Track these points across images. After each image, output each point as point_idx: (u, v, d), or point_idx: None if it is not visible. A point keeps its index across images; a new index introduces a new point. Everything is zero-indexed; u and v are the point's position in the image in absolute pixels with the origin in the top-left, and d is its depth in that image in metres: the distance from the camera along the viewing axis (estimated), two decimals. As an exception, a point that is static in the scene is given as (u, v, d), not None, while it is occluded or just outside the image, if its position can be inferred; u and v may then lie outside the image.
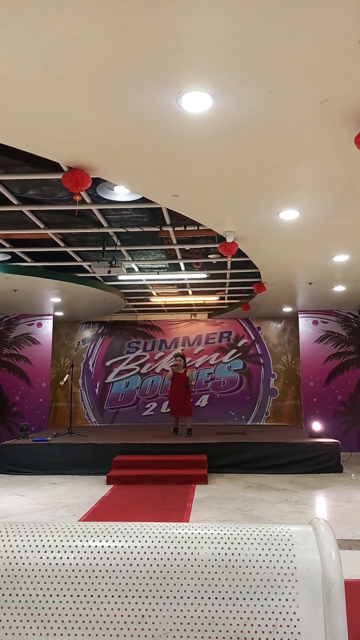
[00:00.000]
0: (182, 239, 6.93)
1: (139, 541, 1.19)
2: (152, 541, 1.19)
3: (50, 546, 1.19)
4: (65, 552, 1.18)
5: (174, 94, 3.09)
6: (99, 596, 1.13)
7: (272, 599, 1.11)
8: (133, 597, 1.13)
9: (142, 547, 1.18)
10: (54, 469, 8.12)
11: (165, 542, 1.19)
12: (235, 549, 1.17)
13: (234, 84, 3.01)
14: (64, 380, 10.11)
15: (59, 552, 1.18)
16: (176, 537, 1.20)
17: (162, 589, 1.13)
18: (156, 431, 9.92)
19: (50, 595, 1.14)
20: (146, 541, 1.19)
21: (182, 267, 8.49)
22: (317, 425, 9.06)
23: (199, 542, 1.18)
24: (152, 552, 1.17)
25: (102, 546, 1.19)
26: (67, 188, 4.22)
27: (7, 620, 1.12)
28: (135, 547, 1.18)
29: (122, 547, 1.18)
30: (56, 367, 12.62)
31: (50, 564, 1.16)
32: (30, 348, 11.39)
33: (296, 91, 3.08)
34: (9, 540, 1.21)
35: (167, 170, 4.24)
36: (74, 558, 1.17)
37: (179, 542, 1.19)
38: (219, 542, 1.18)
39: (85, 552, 1.18)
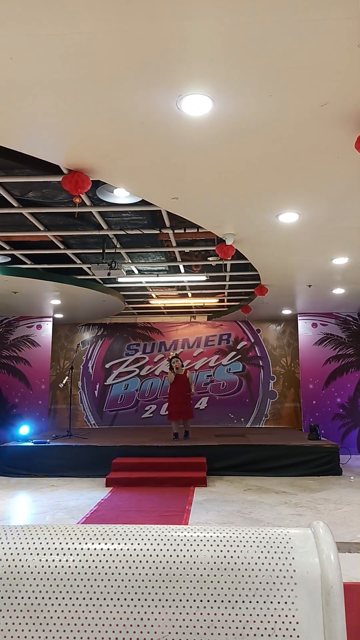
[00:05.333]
0: (182, 241, 6.94)
1: (138, 544, 1.19)
2: (152, 544, 1.19)
3: (49, 549, 1.19)
4: (64, 554, 1.18)
5: (174, 97, 3.10)
6: (97, 599, 1.13)
7: (272, 602, 1.11)
8: (132, 599, 1.13)
9: (141, 549, 1.18)
10: (53, 471, 8.11)
11: (165, 544, 1.19)
12: (235, 551, 1.17)
13: (233, 87, 3.02)
14: (64, 382, 10.10)
15: (58, 554, 1.18)
16: (175, 539, 1.20)
17: (161, 591, 1.13)
18: (155, 433, 9.91)
19: (49, 598, 1.14)
20: (145, 544, 1.19)
21: (182, 270, 8.49)
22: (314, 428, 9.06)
23: (198, 545, 1.18)
24: (151, 555, 1.17)
25: (102, 549, 1.19)
26: (67, 190, 4.22)
27: (6, 623, 1.12)
28: (135, 549, 1.18)
29: (122, 549, 1.18)
30: (56, 369, 12.62)
31: (49, 566, 1.16)
32: (29, 350, 11.39)
33: (296, 94, 3.09)
34: (8, 543, 1.21)
35: (167, 172, 4.25)
36: (73, 561, 1.17)
37: (178, 544, 1.19)
38: (218, 545, 1.18)
39: (84, 554, 1.18)
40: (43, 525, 1.28)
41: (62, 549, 1.19)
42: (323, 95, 3.10)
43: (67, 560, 1.17)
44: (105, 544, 1.20)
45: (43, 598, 1.14)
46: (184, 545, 1.18)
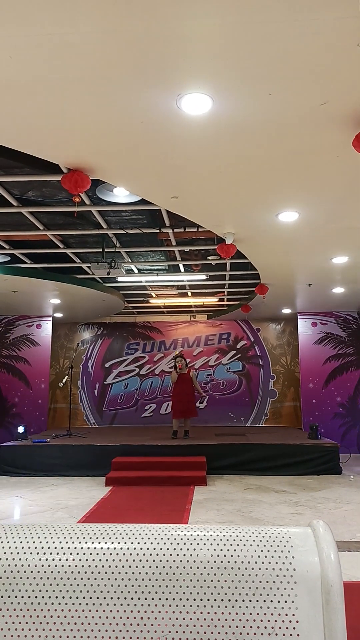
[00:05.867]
0: (182, 240, 6.93)
1: (138, 543, 1.19)
2: (152, 543, 1.19)
3: (49, 548, 1.19)
4: (64, 553, 1.18)
5: (173, 96, 3.10)
6: (97, 598, 1.13)
7: (272, 601, 1.11)
8: (132, 599, 1.13)
9: (141, 548, 1.18)
10: (53, 470, 8.11)
11: (165, 543, 1.19)
12: (235, 550, 1.17)
13: (233, 86, 3.01)
14: (63, 381, 10.10)
15: (57, 553, 1.18)
16: (175, 538, 1.20)
17: (161, 590, 1.13)
18: (155, 432, 9.91)
19: (49, 597, 1.14)
20: (145, 543, 1.19)
21: (182, 269, 8.49)
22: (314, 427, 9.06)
23: (198, 544, 1.18)
24: (151, 554, 1.17)
25: (102, 548, 1.19)
26: (66, 189, 4.22)
27: (6, 622, 1.12)
28: (135, 548, 1.18)
29: (122, 548, 1.18)
30: (55, 369, 12.62)
31: (49, 565, 1.16)
32: (29, 349, 11.39)
33: (295, 93, 3.08)
34: (8, 542, 1.21)
35: (166, 172, 4.25)
36: (73, 560, 1.17)
37: (178, 543, 1.19)
38: (218, 544, 1.18)
39: (84, 553, 1.18)
40: (43, 524, 1.28)
41: (62, 548, 1.19)
42: (322, 94, 3.09)
43: (67, 560, 1.17)
44: (105, 543, 1.20)
45: (43, 597, 1.14)
46: (184, 544, 1.18)
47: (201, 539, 1.20)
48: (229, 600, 1.12)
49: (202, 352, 12.70)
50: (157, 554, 1.17)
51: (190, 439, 8.84)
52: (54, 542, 1.20)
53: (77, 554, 1.18)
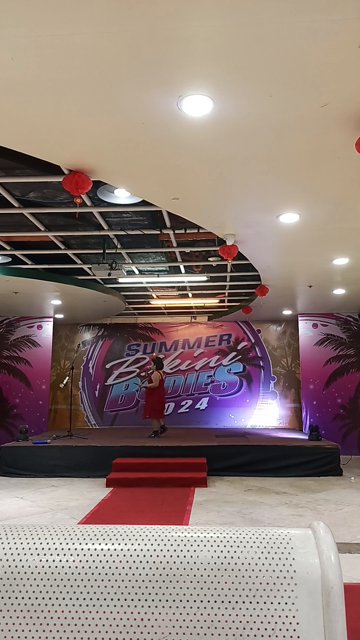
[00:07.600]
0: (183, 241, 6.94)
1: (139, 544, 1.19)
2: (152, 544, 1.19)
3: (49, 549, 1.19)
4: (64, 555, 1.18)
5: (174, 97, 3.10)
6: (98, 599, 1.13)
7: (272, 603, 1.11)
8: (132, 600, 1.13)
9: (141, 550, 1.18)
10: (54, 471, 8.11)
11: (165, 545, 1.19)
12: (235, 552, 1.17)
13: (234, 88, 3.02)
14: (64, 382, 10.10)
15: (58, 555, 1.18)
16: (175, 540, 1.20)
17: (161, 592, 1.13)
18: (156, 434, 9.90)
19: (50, 599, 1.14)
20: (145, 544, 1.19)
21: (182, 270, 8.49)
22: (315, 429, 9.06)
23: (198, 546, 1.18)
24: (151, 555, 1.17)
25: (102, 549, 1.19)
26: (67, 191, 4.23)
27: (7, 623, 1.12)
28: (135, 550, 1.18)
29: (122, 550, 1.18)
30: (56, 370, 12.61)
31: (49, 566, 1.16)
32: (30, 350, 11.39)
33: (296, 95, 3.09)
34: (8, 543, 1.21)
35: (167, 173, 4.25)
36: (74, 561, 1.17)
37: (178, 545, 1.19)
38: (218, 546, 1.18)
39: (84, 555, 1.18)
40: (43, 525, 1.28)
41: (62, 549, 1.19)
42: (323, 95, 3.10)
43: (67, 561, 1.17)
44: (106, 544, 1.20)
45: (43, 598, 1.14)
46: (184, 545, 1.18)
47: (201, 541, 1.20)
48: (229, 602, 1.12)
49: (202, 353, 12.69)
50: (158, 556, 1.17)
51: (191, 440, 8.82)
52: (54, 544, 1.20)
53: (78, 555, 1.18)
